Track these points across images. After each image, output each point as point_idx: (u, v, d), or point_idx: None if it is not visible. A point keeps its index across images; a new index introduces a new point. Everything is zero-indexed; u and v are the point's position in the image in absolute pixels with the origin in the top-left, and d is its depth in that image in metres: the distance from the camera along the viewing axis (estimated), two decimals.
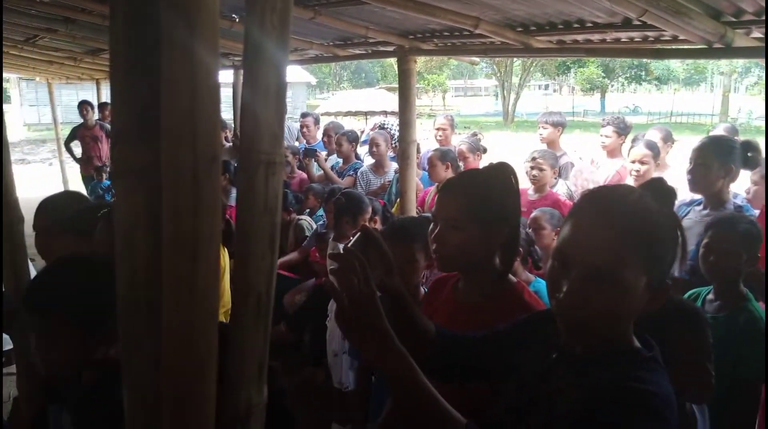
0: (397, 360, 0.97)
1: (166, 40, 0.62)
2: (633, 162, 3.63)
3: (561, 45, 3.45)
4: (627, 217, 0.96)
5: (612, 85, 42.71)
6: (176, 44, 0.62)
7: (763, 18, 2.36)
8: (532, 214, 3.32)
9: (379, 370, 1.01)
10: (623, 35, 3.08)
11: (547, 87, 58.01)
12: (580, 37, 3.27)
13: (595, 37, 3.19)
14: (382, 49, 4.45)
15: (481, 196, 1.45)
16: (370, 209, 3.41)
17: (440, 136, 5.38)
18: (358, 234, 1.18)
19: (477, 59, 6.29)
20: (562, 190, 4.02)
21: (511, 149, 13.04)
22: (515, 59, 30.59)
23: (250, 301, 0.71)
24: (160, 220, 0.66)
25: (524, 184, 4.05)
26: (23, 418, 1.49)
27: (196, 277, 0.64)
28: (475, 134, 5.43)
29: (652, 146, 3.66)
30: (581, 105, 40.50)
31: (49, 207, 2.16)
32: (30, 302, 1.37)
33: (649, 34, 2.94)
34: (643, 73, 39.52)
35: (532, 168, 3.93)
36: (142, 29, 0.69)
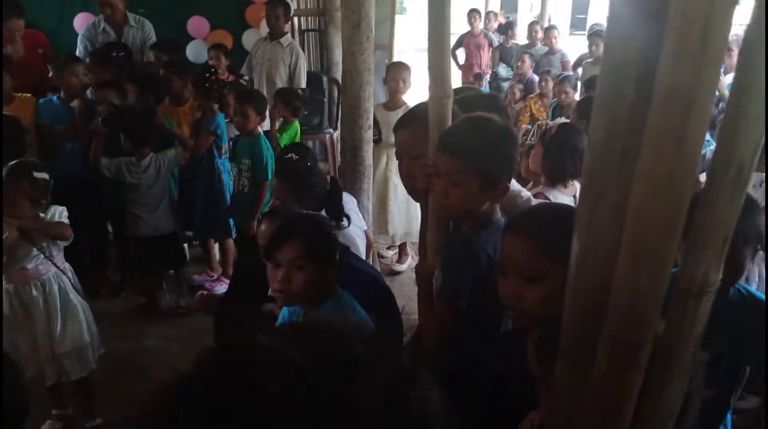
0: None
1: None
2: None
3: None
4: None
5: None
6: None
7: None
8: None
9: None
10: None
11: None
12: None
13: None
14: None
15: None
16: None
17: None
18: None
19: None
20: None
21: None
22: None
23: (730, 171, 0.66)
24: (652, 70, 0.65)
25: None
26: None
27: (685, 130, 0.62)
28: None
29: None
30: None
31: None
32: (443, 146, 1.58)
33: None
34: None
35: None
36: None
